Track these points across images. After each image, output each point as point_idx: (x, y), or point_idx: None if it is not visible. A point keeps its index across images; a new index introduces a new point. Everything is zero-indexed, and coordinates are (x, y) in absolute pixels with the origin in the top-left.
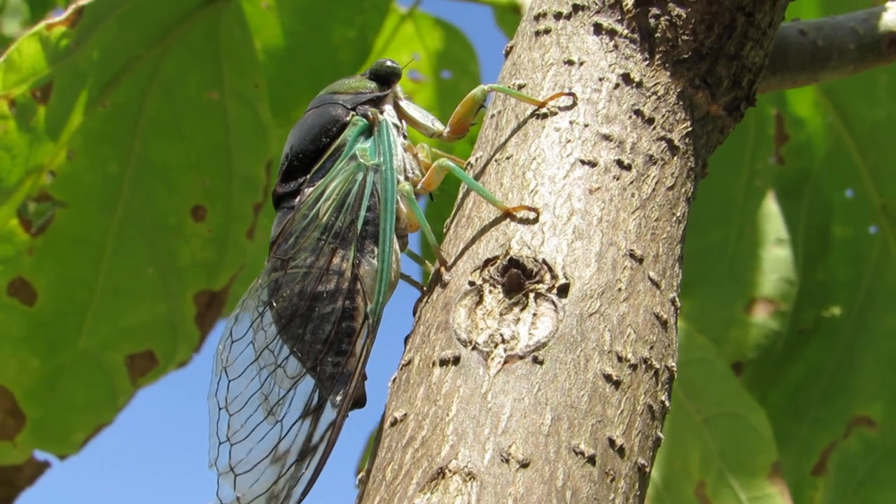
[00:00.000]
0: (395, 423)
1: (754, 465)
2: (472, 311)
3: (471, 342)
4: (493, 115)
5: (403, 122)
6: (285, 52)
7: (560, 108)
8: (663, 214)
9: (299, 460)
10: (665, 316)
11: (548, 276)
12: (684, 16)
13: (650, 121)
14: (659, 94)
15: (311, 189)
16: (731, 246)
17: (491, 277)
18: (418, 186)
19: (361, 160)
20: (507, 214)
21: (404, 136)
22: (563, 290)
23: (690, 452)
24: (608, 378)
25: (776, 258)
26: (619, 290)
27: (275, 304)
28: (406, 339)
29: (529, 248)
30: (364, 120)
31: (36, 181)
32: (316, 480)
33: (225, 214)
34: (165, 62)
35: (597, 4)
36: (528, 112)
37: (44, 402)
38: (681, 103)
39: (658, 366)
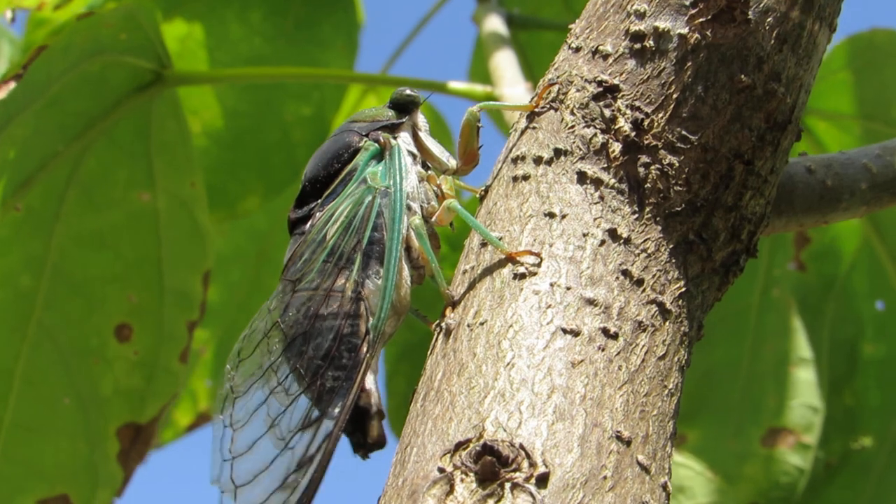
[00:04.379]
0: None
1: None
2: (442, 501)
3: None
4: (465, 272)
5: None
6: (230, 134)
7: (537, 267)
8: (654, 388)
9: (296, 470)
10: None
11: (525, 464)
12: (677, 164)
13: (639, 282)
14: (649, 251)
15: (321, 213)
16: (743, 366)
17: (463, 464)
18: (433, 219)
19: (371, 183)
20: (510, 259)
21: (423, 166)
22: (543, 480)
23: None
24: None
25: (797, 381)
26: (605, 478)
27: (281, 325)
28: None
29: (505, 430)
30: (375, 144)
31: None
32: (314, 491)
33: (154, 334)
34: (87, 159)
35: (581, 150)
36: (504, 271)
37: None
38: (673, 261)
39: None
